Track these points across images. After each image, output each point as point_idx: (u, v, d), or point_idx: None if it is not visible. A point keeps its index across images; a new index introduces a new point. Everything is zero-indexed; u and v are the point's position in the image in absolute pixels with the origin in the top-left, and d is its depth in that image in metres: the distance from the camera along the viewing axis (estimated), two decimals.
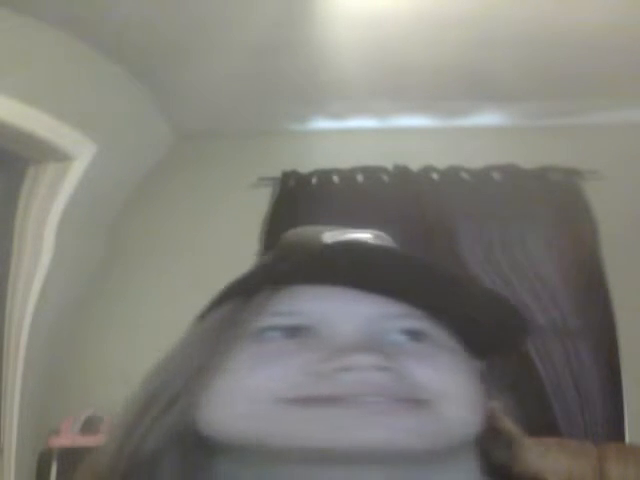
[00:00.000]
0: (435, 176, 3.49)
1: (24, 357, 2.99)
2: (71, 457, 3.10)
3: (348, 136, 3.48)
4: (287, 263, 0.72)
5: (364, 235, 0.76)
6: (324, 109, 3.33)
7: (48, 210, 2.45)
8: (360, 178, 3.52)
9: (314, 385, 0.65)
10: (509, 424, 0.69)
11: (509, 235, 3.38)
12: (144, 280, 3.42)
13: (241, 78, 2.92)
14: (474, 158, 3.41)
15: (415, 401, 0.65)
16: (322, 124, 3.49)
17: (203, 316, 0.75)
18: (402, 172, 3.49)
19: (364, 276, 0.70)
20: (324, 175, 3.52)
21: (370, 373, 0.64)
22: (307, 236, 0.76)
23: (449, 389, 0.66)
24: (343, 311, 0.69)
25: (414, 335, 0.69)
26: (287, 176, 3.51)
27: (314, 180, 3.51)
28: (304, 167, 3.49)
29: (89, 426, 3.19)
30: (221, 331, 0.70)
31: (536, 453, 0.69)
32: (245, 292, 0.72)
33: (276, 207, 3.48)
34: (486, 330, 0.74)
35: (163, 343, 0.74)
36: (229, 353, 0.68)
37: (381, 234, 0.78)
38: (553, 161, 3.39)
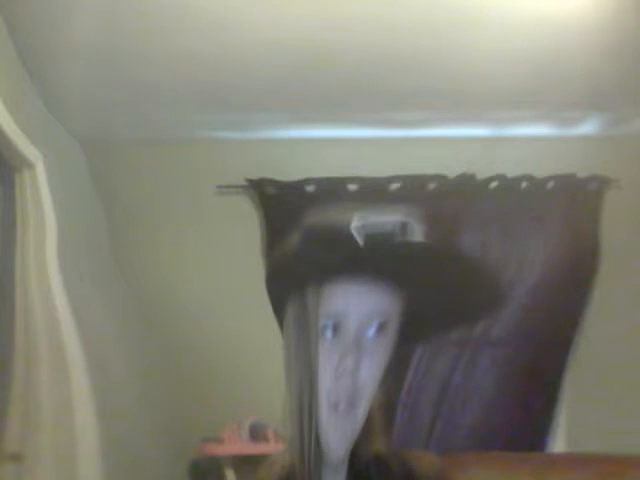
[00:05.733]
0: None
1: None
2: (245, 464, 3.36)
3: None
4: (326, 260, 0.84)
5: (391, 218, 0.86)
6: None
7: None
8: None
9: (335, 390, 0.83)
10: (377, 412, 0.82)
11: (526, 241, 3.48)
12: None
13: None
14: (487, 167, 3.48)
15: (351, 405, 0.81)
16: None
17: (277, 312, 0.91)
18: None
19: (383, 271, 0.83)
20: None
21: (347, 378, 0.81)
22: (337, 224, 0.85)
23: (367, 393, 0.82)
24: (354, 309, 0.84)
25: (382, 325, 0.84)
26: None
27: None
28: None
29: (256, 433, 3.43)
30: (301, 336, 0.86)
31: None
32: (297, 290, 0.86)
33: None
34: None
35: None
36: (316, 357, 0.83)
37: (406, 219, 0.89)
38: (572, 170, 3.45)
